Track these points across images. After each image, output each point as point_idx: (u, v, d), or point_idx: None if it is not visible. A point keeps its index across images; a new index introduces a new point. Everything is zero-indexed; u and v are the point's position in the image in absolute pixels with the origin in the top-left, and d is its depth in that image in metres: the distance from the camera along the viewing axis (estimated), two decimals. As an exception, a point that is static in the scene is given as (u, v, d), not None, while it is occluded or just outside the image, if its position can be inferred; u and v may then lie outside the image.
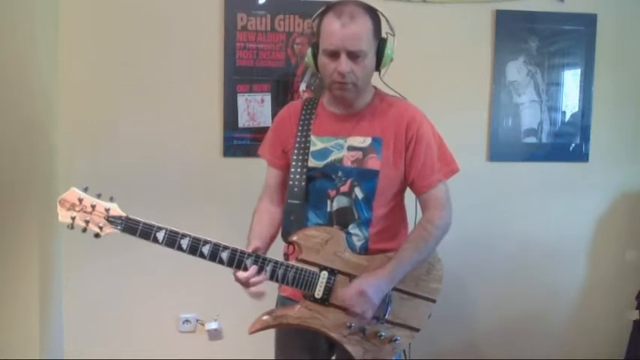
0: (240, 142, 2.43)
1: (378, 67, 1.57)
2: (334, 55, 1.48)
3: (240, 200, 2.44)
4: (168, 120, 2.39)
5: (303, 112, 1.64)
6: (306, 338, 1.61)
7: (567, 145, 2.67)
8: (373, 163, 1.55)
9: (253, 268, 1.47)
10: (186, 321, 2.49)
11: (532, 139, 2.63)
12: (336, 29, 1.46)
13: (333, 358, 1.71)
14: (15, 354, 2.11)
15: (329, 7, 1.51)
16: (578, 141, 2.67)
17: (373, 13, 1.52)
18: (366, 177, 1.56)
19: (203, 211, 2.41)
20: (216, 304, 2.48)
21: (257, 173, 2.38)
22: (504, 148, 2.61)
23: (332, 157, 1.58)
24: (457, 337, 2.63)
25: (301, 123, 1.62)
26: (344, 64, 1.47)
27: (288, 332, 1.64)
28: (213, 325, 2.48)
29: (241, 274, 1.47)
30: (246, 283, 1.47)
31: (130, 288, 2.43)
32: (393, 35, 1.57)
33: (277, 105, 2.42)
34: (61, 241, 2.35)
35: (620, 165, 2.71)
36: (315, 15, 1.55)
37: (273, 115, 2.42)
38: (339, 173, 1.57)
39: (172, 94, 2.39)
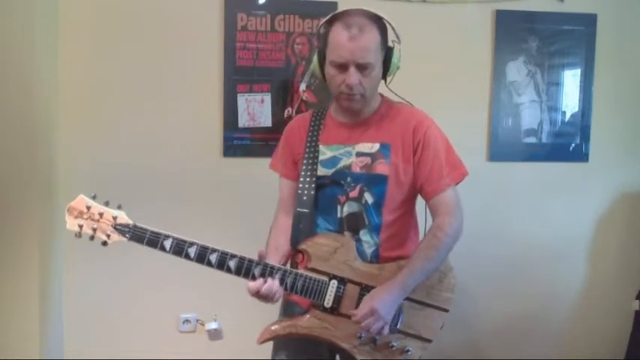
0: (240, 142, 2.43)
1: (384, 76, 1.56)
2: (342, 67, 1.47)
3: (240, 200, 2.45)
4: (168, 120, 2.39)
5: (312, 123, 1.65)
6: (307, 344, 1.59)
7: (567, 145, 2.66)
8: (382, 168, 1.55)
9: (260, 281, 1.46)
10: (186, 321, 2.49)
11: (532, 139, 2.63)
12: (345, 41, 1.45)
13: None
14: (15, 354, 2.11)
15: (336, 16, 1.50)
16: (578, 141, 2.67)
17: (380, 23, 1.51)
18: (375, 182, 1.55)
19: (203, 211, 2.41)
20: (216, 304, 2.48)
21: (257, 173, 2.40)
22: (504, 148, 2.61)
23: (341, 164, 1.57)
24: (457, 336, 2.63)
25: (310, 134, 1.62)
26: (353, 76, 1.47)
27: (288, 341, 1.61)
28: (213, 325, 2.48)
29: (250, 284, 1.46)
30: (256, 295, 1.47)
31: (130, 288, 2.43)
32: (399, 43, 1.56)
33: (277, 105, 2.43)
34: (61, 241, 2.35)
35: (620, 165, 2.71)
36: (321, 22, 1.54)
37: (274, 115, 2.43)
38: (348, 179, 1.56)
39: (172, 94, 2.39)
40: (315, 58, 1.57)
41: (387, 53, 1.53)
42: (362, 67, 1.47)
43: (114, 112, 2.36)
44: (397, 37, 1.56)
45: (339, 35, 1.46)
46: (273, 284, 1.46)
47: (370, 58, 1.47)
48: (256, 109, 2.43)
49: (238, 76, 2.40)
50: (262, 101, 2.43)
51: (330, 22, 1.50)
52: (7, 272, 2.11)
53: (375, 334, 1.49)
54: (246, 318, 2.42)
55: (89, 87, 2.34)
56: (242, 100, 2.42)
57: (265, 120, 2.43)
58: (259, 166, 2.39)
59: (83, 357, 2.40)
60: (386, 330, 1.49)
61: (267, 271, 1.47)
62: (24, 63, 2.07)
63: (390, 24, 1.54)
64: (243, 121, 2.42)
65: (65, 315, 2.41)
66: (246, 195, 2.43)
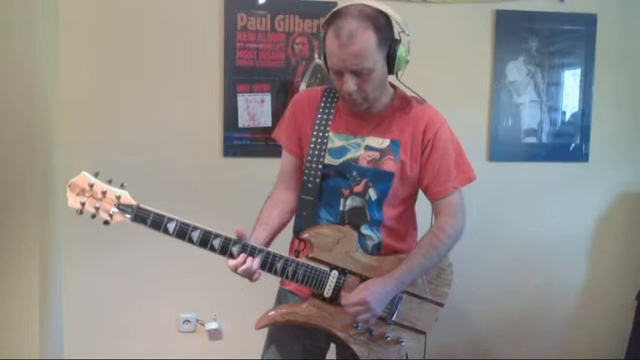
0: (240, 142, 2.43)
1: (392, 71, 1.50)
2: (339, 72, 1.45)
3: (240, 200, 2.45)
4: (169, 120, 2.39)
5: (322, 103, 1.60)
6: (301, 336, 1.60)
7: (567, 145, 2.66)
8: (389, 165, 1.53)
9: (241, 257, 1.44)
10: (186, 321, 2.49)
11: (532, 139, 2.63)
12: (335, 50, 1.41)
13: (334, 358, 1.70)
14: (15, 354, 2.11)
15: (330, 18, 1.44)
16: (578, 141, 2.67)
17: (378, 19, 1.43)
18: (381, 178, 1.54)
19: (203, 211, 2.39)
20: (216, 304, 2.48)
21: (257, 173, 2.39)
22: (504, 148, 2.61)
23: (348, 156, 1.55)
24: (457, 336, 2.63)
25: (319, 116, 1.58)
26: (349, 83, 1.43)
27: (283, 330, 1.61)
28: (213, 325, 2.48)
29: (231, 261, 1.45)
30: (239, 272, 1.45)
31: (130, 288, 2.43)
32: (407, 35, 1.50)
33: (277, 105, 2.43)
34: (61, 241, 2.35)
35: (620, 165, 2.71)
36: (322, 23, 1.49)
37: (274, 115, 2.43)
38: (354, 173, 1.54)
39: (172, 94, 2.39)
40: (322, 57, 1.52)
41: (392, 47, 1.46)
42: (358, 73, 1.43)
43: (114, 111, 2.36)
44: (402, 29, 1.49)
45: (330, 44, 1.42)
46: (252, 265, 1.44)
47: (364, 63, 1.41)
48: (256, 109, 2.43)
49: (238, 76, 2.40)
50: (262, 101, 2.43)
51: (327, 24, 1.45)
52: (7, 272, 2.11)
53: (361, 323, 1.51)
54: (246, 318, 2.41)
55: (89, 87, 2.34)
56: (242, 100, 2.42)
57: (265, 120, 2.43)
58: (259, 166, 2.40)
59: (83, 357, 2.40)
60: (372, 321, 1.50)
61: (248, 251, 1.45)
62: (24, 63, 2.07)
63: (393, 16, 1.47)
64: (243, 121, 2.42)
65: (65, 315, 2.41)
66: (246, 195, 2.41)
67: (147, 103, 2.38)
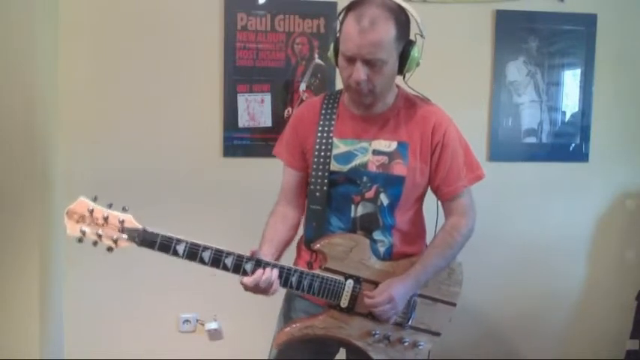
0: (240, 142, 2.43)
1: (401, 71, 1.47)
2: (351, 60, 1.40)
3: (240, 200, 2.46)
4: (169, 120, 2.39)
5: (323, 110, 1.56)
6: (311, 342, 1.56)
7: (567, 145, 2.66)
8: (399, 169, 1.50)
9: (257, 273, 1.41)
10: (186, 321, 2.49)
11: (532, 139, 2.63)
12: (354, 35, 1.36)
13: (343, 358, 1.69)
14: (15, 354, 2.10)
15: (351, 6, 1.41)
16: (578, 141, 2.67)
17: (400, 15, 1.41)
18: (392, 183, 1.51)
19: (203, 211, 2.41)
20: (216, 304, 2.48)
21: (257, 173, 2.40)
22: (504, 148, 2.61)
23: (356, 162, 1.51)
24: (457, 336, 2.62)
25: (321, 123, 1.54)
26: (359, 71, 1.39)
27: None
28: (213, 325, 2.48)
29: (246, 279, 1.41)
30: (255, 288, 1.42)
31: (130, 288, 2.43)
32: (423, 37, 1.48)
33: (277, 105, 2.43)
34: (61, 241, 2.34)
35: (620, 165, 2.71)
36: (341, 10, 1.46)
37: (273, 115, 2.43)
38: (364, 179, 1.51)
39: (172, 94, 2.39)
40: (332, 46, 1.50)
41: (406, 47, 1.44)
42: (371, 63, 1.39)
43: (113, 112, 2.36)
44: (421, 30, 1.47)
45: (349, 28, 1.38)
46: (271, 275, 1.41)
47: (380, 54, 1.38)
48: (256, 109, 2.43)
49: (238, 76, 2.40)
50: (262, 101, 2.43)
51: (347, 10, 1.42)
52: (7, 272, 2.11)
53: (386, 321, 1.49)
54: (246, 318, 2.43)
55: (89, 87, 2.34)
56: (242, 100, 2.41)
57: (265, 120, 2.43)
58: (259, 166, 2.40)
59: (83, 357, 2.40)
60: (393, 319, 1.50)
61: (262, 266, 1.42)
62: (24, 63, 2.07)
63: (413, 16, 1.45)
64: (243, 121, 2.42)
65: (65, 315, 2.41)
66: (246, 195, 2.43)
67: (147, 103, 2.38)
